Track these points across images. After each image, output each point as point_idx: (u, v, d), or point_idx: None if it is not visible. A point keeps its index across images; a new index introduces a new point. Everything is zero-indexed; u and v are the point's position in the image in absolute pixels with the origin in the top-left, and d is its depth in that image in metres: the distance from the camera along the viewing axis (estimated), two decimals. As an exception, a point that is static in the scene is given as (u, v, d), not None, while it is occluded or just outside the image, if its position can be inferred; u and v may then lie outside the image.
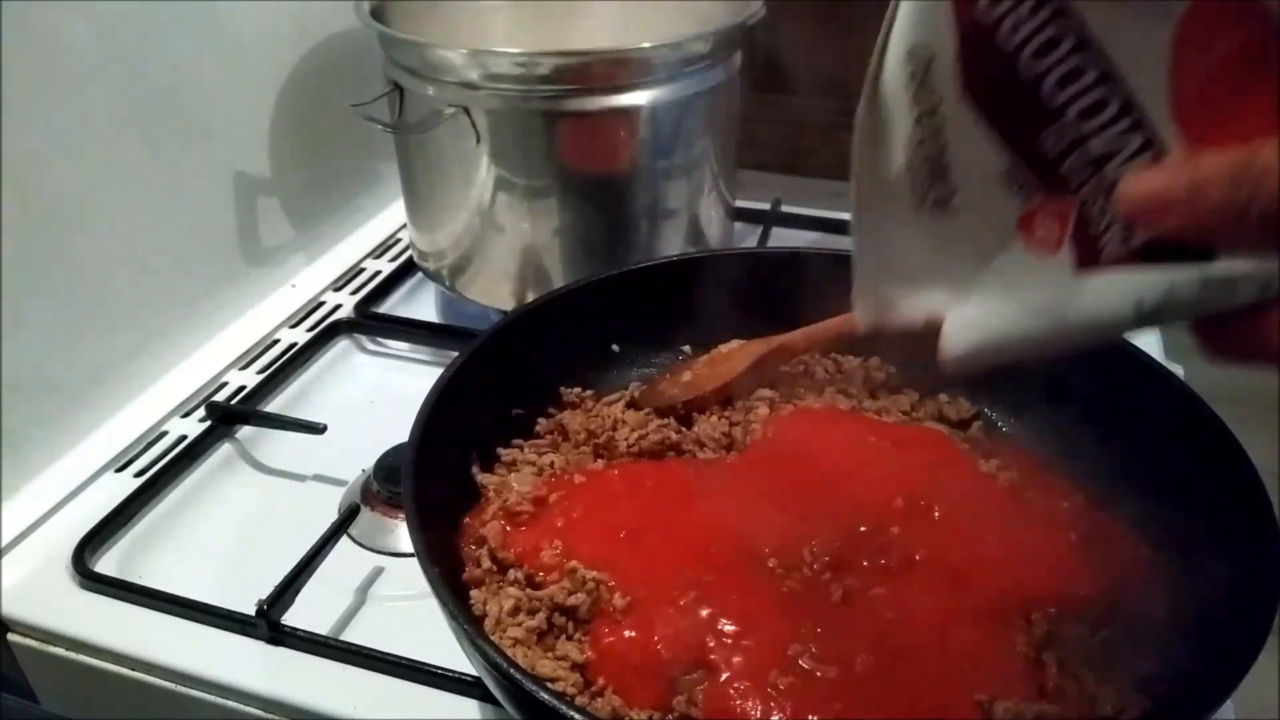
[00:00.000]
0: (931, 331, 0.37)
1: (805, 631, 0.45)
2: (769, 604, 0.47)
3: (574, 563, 0.49)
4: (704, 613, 0.46)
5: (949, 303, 0.36)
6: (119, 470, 0.67)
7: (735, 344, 0.64)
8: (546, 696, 0.39)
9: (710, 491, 0.54)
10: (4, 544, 0.61)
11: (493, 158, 0.70)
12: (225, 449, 0.69)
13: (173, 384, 0.75)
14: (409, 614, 0.56)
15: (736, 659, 0.45)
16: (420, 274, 0.84)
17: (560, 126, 0.69)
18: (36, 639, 0.57)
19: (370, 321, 0.81)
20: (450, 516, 0.53)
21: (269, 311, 0.83)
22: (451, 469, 0.55)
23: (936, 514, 0.51)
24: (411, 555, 0.46)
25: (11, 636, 0.57)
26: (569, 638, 0.47)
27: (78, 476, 0.66)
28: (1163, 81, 0.29)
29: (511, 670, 0.40)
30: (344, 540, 0.59)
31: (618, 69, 0.67)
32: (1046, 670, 0.45)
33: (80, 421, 0.69)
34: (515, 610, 0.48)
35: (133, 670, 0.55)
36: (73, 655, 0.56)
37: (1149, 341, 0.66)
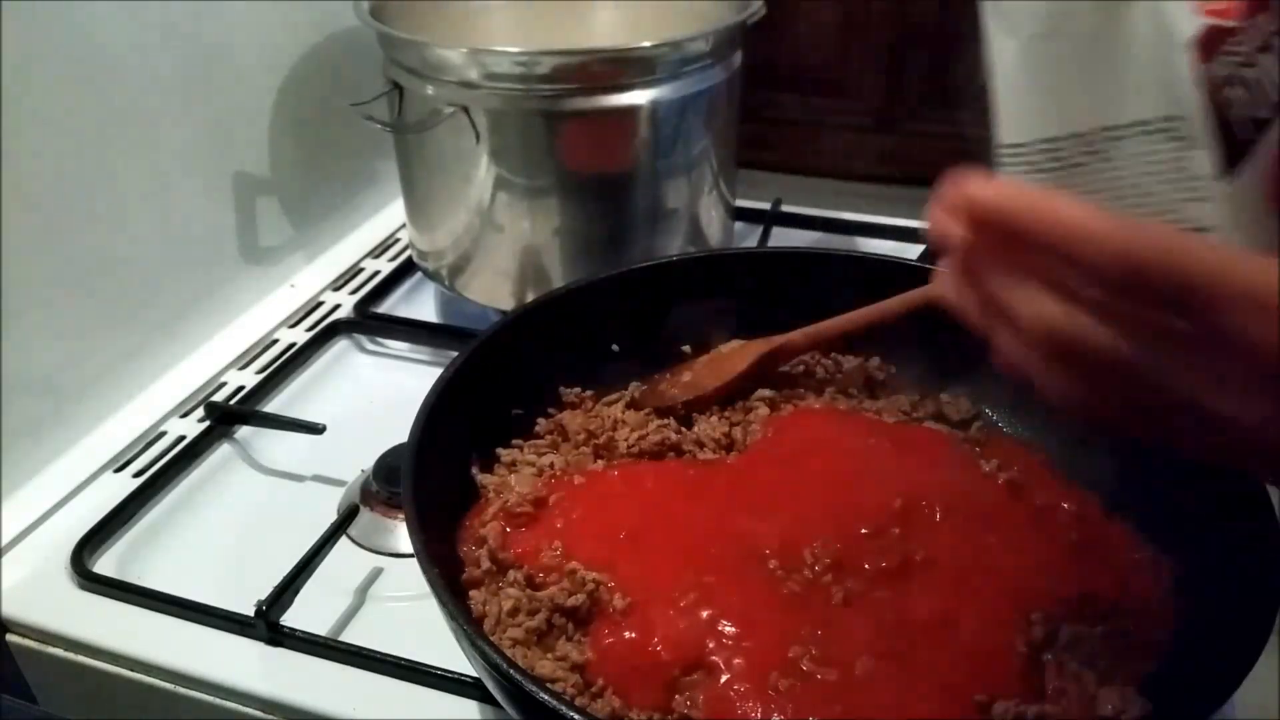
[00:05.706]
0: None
1: (806, 633, 0.45)
2: (770, 605, 0.47)
3: (574, 564, 0.49)
4: (704, 614, 0.46)
5: None
6: (118, 470, 0.67)
7: (735, 344, 0.64)
8: (546, 697, 0.38)
9: (710, 492, 0.54)
10: (3, 544, 0.61)
11: (492, 157, 0.70)
12: (224, 449, 0.69)
13: (172, 384, 0.74)
14: (409, 614, 0.56)
15: (737, 660, 0.45)
16: (420, 274, 0.84)
17: (560, 126, 0.69)
18: (35, 639, 0.57)
19: (370, 321, 0.81)
20: (450, 517, 0.53)
21: (268, 311, 0.83)
22: (451, 469, 0.55)
23: (937, 515, 0.51)
24: (411, 556, 0.46)
25: (10, 637, 0.57)
26: (569, 638, 0.47)
27: (77, 476, 0.66)
28: None
29: (511, 671, 0.40)
30: (343, 541, 0.59)
31: (618, 68, 0.67)
32: (1046, 670, 0.45)
33: (79, 421, 0.69)
34: (515, 611, 0.48)
35: (132, 671, 0.55)
36: (71, 656, 0.56)
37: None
